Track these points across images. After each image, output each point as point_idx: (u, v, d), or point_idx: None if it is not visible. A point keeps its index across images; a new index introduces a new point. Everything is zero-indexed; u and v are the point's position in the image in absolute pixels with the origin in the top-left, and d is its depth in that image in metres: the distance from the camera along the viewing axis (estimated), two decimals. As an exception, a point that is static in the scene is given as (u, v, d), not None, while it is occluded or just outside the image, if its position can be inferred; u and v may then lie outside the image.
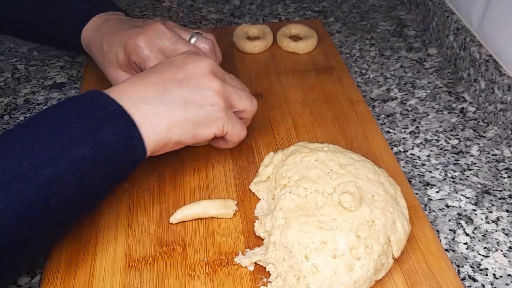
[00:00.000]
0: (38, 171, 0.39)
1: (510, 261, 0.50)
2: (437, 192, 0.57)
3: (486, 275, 0.49)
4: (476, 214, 0.55)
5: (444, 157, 0.62)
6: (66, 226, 0.46)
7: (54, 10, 0.65)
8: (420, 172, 0.60)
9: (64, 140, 0.41)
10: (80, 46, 0.64)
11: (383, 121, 0.67)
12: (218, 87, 0.49)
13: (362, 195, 0.46)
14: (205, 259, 0.48)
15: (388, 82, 0.74)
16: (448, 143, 0.64)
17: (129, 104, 0.45)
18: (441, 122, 0.67)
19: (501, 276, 0.49)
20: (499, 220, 0.54)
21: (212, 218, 0.52)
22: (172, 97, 0.47)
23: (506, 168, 0.60)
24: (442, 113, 0.68)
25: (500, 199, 0.56)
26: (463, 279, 0.49)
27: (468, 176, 0.59)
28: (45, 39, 0.71)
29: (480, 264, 0.50)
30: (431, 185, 0.58)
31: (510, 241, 0.52)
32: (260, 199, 0.53)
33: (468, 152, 0.62)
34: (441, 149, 0.63)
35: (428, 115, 0.68)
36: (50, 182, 0.40)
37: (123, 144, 0.44)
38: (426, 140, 0.64)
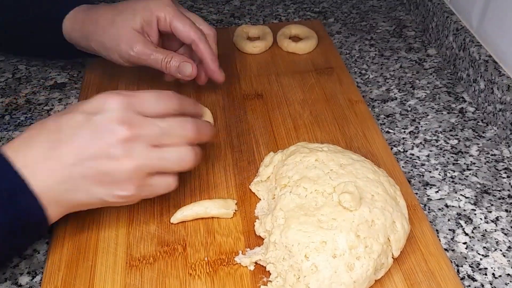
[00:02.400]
0: None
1: (509, 260, 0.50)
2: (437, 192, 0.57)
3: (485, 274, 0.49)
4: (475, 214, 0.55)
5: (444, 157, 0.62)
6: None
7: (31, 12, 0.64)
8: (420, 172, 0.60)
9: None
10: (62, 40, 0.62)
11: (382, 121, 0.67)
12: (128, 168, 0.42)
13: (361, 195, 0.47)
14: (206, 258, 0.48)
15: (387, 82, 0.74)
16: (448, 143, 0.64)
17: (35, 177, 0.41)
18: (441, 122, 0.67)
19: (500, 276, 0.49)
20: (498, 220, 0.54)
21: (212, 218, 0.52)
22: (76, 182, 0.42)
23: (505, 168, 0.60)
24: (442, 113, 0.68)
25: (499, 199, 0.56)
26: (462, 278, 0.49)
27: (467, 176, 0.59)
28: (30, 46, 0.68)
29: (479, 264, 0.50)
30: (431, 185, 0.58)
31: (509, 241, 0.52)
32: (260, 199, 0.53)
33: (468, 152, 0.62)
34: (441, 149, 0.63)
35: (427, 115, 0.68)
36: None
37: (21, 224, 0.42)
38: (425, 140, 0.64)
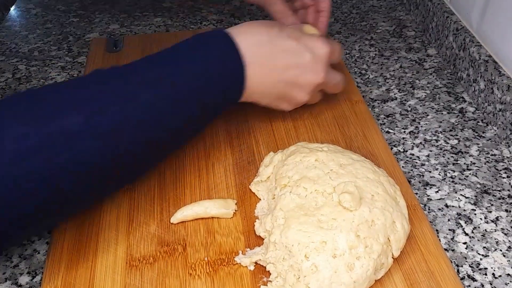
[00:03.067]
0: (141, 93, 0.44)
1: (509, 260, 0.50)
2: (437, 192, 0.57)
3: (485, 274, 0.49)
4: (475, 214, 0.55)
5: (444, 157, 0.62)
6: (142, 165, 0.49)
7: None
8: (420, 172, 0.60)
9: (181, 59, 0.48)
10: None
11: (382, 121, 0.67)
12: (320, 80, 0.56)
13: (361, 195, 0.47)
14: (206, 258, 0.48)
15: (387, 82, 0.74)
16: (448, 143, 0.64)
17: (244, 45, 0.51)
18: (441, 122, 0.67)
19: (500, 276, 0.49)
20: (498, 220, 0.54)
21: (212, 218, 0.52)
22: (275, 56, 0.54)
23: (505, 168, 0.60)
24: (442, 113, 0.68)
25: (499, 199, 0.56)
26: (462, 278, 0.49)
27: (467, 176, 0.59)
28: None
29: (479, 264, 0.50)
30: (431, 185, 0.58)
31: (509, 241, 0.52)
32: (260, 199, 0.53)
33: (468, 152, 0.62)
34: (441, 149, 0.63)
35: (427, 115, 0.68)
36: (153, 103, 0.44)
37: (229, 74, 0.50)
38: (425, 140, 0.64)
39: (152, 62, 0.48)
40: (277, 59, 0.54)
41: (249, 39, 0.52)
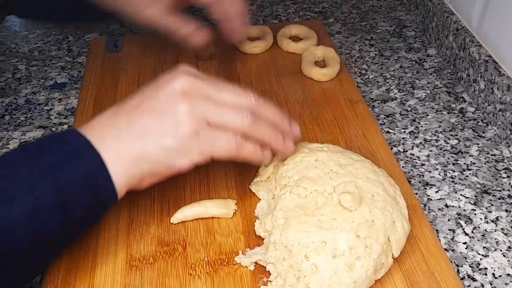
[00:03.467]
0: None
1: (509, 260, 0.50)
2: (437, 192, 0.57)
3: (486, 274, 0.49)
4: (475, 214, 0.55)
5: (444, 157, 0.62)
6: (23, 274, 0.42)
7: None
8: (420, 172, 0.60)
9: (24, 178, 0.39)
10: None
11: (382, 121, 0.67)
12: (186, 110, 0.42)
13: (361, 195, 0.47)
14: (206, 258, 0.48)
15: (387, 82, 0.74)
16: (448, 143, 0.64)
17: (97, 139, 0.41)
18: (441, 122, 0.67)
19: (500, 276, 0.49)
20: (498, 220, 0.54)
21: (212, 218, 0.52)
22: (135, 129, 0.43)
23: (505, 168, 0.60)
24: (442, 113, 0.68)
25: (499, 199, 0.56)
26: (462, 278, 0.49)
27: (467, 176, 0.59)
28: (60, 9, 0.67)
29: (479, 264, 0.50)
30: (431, 185, 0.58)
31: (509, 241, 0.52)
32: (260, 199, 0.53)
33: (468, 152, 0.62)
34: (441, 149, 0.63)
35: (427, 115, 0.68)
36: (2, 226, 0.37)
37: (88, 181, 0.40)
38: (425, 140, 0.64)
39: (14, 167, 0.40)
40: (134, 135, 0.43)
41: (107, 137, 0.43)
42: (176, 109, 0.43)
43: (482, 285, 0.48)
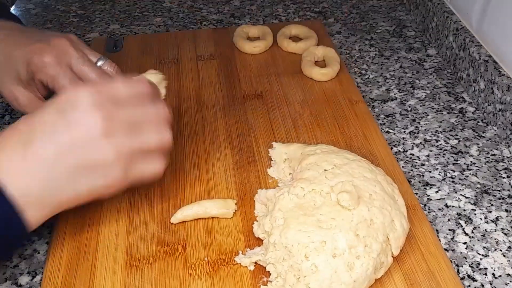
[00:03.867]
0: None
1: (509, 260, 0.50)
2: (437, 192, 0.57)
3: (485, 274, 0.49)
4: (475, 214, 0.55)
5: (444, 157, 0.62)
6: None
7: None
8: (420, 172, 0.60)
9: None
10: None
11: (382, 121, 0.67)
12: (110, 152, 0.41)
13: (359, 194, 0.47)
14: (206, 258, 0.48)
15: (387, 82, 0.74)
16: (448, 143, 0.64)
17: (11, 182, 0.39)
18: (441, 122, 0.67)
19: (500, 276, 0.49)
20: (498, 220, 0.54)
21: (212, 218, 0.52)
22: (58, 176, 0.40)
23: (505, 168, 0.60)
24: (442, 113, 0.68)
25: (499, 199, 0.56)
26: (462, 278, 0.49)
27: (467, 176, 0.59)
28: None
29: (479, 264, 0.50)
30: (431, 185, 0.58)
31: (509, 241, 0.52)
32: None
33: (468, 152, 0.62)
34: (441, 149, 0.63)
35: (427, 115, 0.68)
36: None
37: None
38: (425, 140, 0.64)
39: None
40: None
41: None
42: (102, 155, 0.41)
43: (482, 285, 0.48)
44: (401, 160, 0.61)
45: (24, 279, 0.49)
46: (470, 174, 0.59)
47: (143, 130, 0.43)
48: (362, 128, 0.63)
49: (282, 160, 0.55)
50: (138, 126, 0.43)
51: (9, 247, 0.42)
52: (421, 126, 0.66)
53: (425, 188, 0.58)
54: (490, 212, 0.55)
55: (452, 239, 0.52)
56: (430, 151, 0.63)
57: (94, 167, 0.41)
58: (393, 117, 0.68)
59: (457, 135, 0.65)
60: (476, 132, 0.65)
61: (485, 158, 0.61)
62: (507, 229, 0.53)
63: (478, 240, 0.52)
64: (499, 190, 0.57)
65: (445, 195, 0.57)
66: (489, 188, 0.58)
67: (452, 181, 0.59)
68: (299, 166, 0.51)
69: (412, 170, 0.60)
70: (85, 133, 0.40)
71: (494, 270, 0.49)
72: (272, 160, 0.57)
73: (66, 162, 0.40)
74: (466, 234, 0.53)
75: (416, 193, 0.57)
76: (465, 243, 0.52)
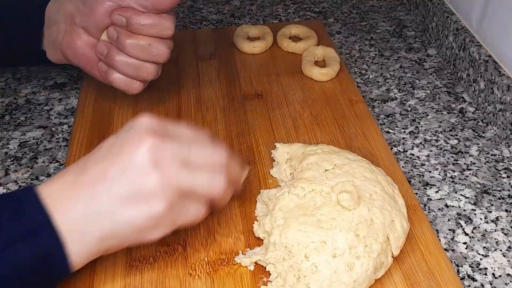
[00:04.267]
0: None
1: (509, 260, 0.50)
2: (437, 192, 0.57)
3: (485, 274, 0.49)
4: (475, 214, 0.55)
5: (444, 157, 0.62)
6: None
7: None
8: (420, 172, 0.60)
9: None
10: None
11: (382, 121, 0.67)
12: (158, 185, 0.38)
13: (359, 194, 0.47)
14: (206, 258, 0.48)
15: (387, 82, 0.74)
16: (448, 143, 0.64)
17: (58, 213, 0.38)
18: (441, 122, 0.67)
19: (500, 276, 0.49)
20: (498, 220, 0.54)
21: (212, 218, 0.52)
22: (101, 203, 0.38)
23: (505, 168, 0.60)
24: (442, 113, 0.68)
25: (499, 199, 0.56)
26: (462, 278, 0.49)
27: (467, 176, 0.59)
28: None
29: (479, 264, 0.50)
30: (431, 185, 0.58)
31: (509, 241, 0.52)
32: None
33: (468, 152, 0.62)
34: (441, 149, 0.63)
35: (427, 115, 0.68)
36: None
37: (42, 264, 0.37)
38: (425, 140, 0.64)
39: None
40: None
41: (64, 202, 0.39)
42: (147, 183, 0.39)
43: (482, 285, 0.48)
44: (401, 160, 0.61)
45: (24, 279, 0.49)
46: (470, 174, 0.59)
47: (196, 171, 0.41)
48: (362, 128, 0.63)
49: (284, 160, 0.55)
50: (191, 166, 0.41)
51: (49, 284, 0.41)
52: (421, 126, 0.66)
53: (425, 188, 0.58)
54: (490, 212, 0.55)
55: (452, 239, 0.52)
56: (430, 151, 0.63)
57: (137, 196, 0.39)
58: (393, 117, 0.68)
59: (457, 135, 0.65)
60: (476, 132, 0.65)
61: (485, 158, 0.61)
62: (507, 229, 0.53)
63: (478, 240, 0.52)
64: (499, 190, 0.57)
65: (445, 195, 0.57)
66: (489, 188, 0.58)
67: (452, 181, 0.59)
68: (299, 165, 0.51)
69: (412, 170, 0.60)
70: (132, 154, 0.39)
71: (494, 270, 0.49)
72: (275, 161, 0.57)
73: (108, 188, 0.39)
74: (466, 234, 0.53)
75: (416, 193, 0.57)
76: (465, 243, 0.52)
